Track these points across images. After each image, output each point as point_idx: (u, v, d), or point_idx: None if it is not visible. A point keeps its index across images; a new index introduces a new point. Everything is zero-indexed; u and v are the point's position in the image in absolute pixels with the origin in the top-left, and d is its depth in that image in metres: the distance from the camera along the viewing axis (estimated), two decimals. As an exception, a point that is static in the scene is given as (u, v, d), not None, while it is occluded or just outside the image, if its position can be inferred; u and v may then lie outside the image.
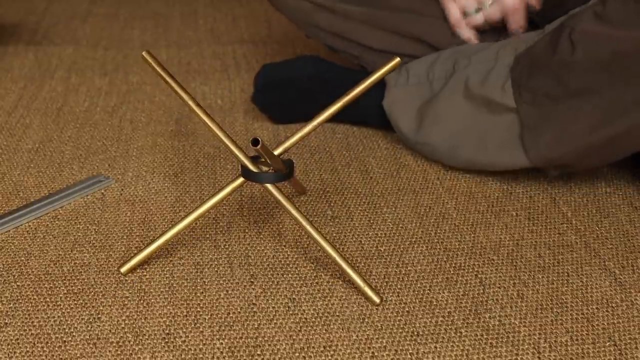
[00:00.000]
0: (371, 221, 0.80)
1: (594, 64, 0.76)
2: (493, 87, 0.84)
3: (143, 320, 0.65)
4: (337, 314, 0.66)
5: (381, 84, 0.97)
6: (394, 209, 0.83)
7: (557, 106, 0.80)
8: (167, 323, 0.65)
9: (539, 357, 0.61)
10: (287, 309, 0.67)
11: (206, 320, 0.65)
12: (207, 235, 0.78)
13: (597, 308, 0.67)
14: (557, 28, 0.81)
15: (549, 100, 0.80)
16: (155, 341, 0.63)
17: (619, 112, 0.76)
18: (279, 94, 1.01)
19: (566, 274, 0.72)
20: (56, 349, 0.62)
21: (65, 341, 0.63)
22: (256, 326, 0.64)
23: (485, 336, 0.63)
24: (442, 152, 0.89)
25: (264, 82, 1.01)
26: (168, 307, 0.67)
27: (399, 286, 0.70)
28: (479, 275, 0.71)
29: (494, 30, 0.97)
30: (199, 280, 0.70)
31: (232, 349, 0.62)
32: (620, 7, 0.75)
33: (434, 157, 0.91)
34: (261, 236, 0.78)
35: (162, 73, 0.71)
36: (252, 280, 0.71)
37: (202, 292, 0.69)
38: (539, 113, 0.81)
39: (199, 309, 0.67)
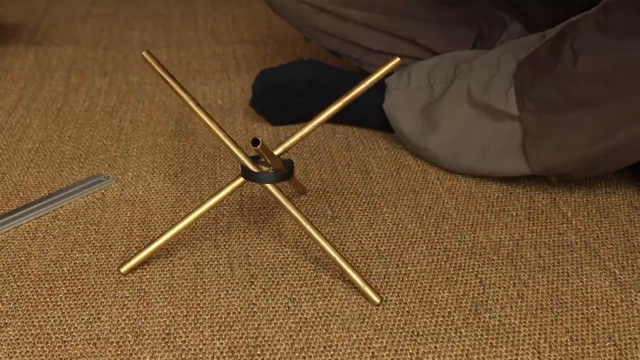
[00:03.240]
0: (371, 221, 0.80)
1: (596, 75, 0.76)
2: (496, 94, 0.84)
3: (143, 320, 0.65)
4: (337, 314, 0.66)
5: (381, 85, 0.97)
6: (394, 209, 0.83)
7: (559, 115, 0.79)
8: (167, 323, 0.65)
9: (539, 357, 0.61)
10: (287, 309, 0.67)
11: (206, 320, 0.65)
12: (207, 235, 0.78)
13: (597, 308, 0.67)
14: (559, 36, 0.81)
15: (551, 109, 0.80)
16: (155, 341, 0.63)
17: (620, 124, 0.76)
18: (277, 100, 1.00)
19: (566, 274, 0.72)
20: (56, 349, 0.62)
21: (65, 341, 0.62)
22: (256, 326, 0.64)
23: (485, 336, 0.63)
24: (442, 159, 0.89)
25: (262, 87, 1.00)
26: (168, 307, 0.67)
27: (399, 286, 0.70)
28: (479, 275, 0.71)
29: (489, 36, 0.97)
30: (199, 280, 0.70)
31: (232, 349, 0.62)
32: (622, 17, 0.75)
33: (434, 162, 0.91)
34: (261, 236, 0.78)
35: (162, 73, 0.71)
36: (252, 280, 0.71)
37: (202, 292, 0.69)
38: (541, 121, 0.80)
39: (199, 309, 0.67)
